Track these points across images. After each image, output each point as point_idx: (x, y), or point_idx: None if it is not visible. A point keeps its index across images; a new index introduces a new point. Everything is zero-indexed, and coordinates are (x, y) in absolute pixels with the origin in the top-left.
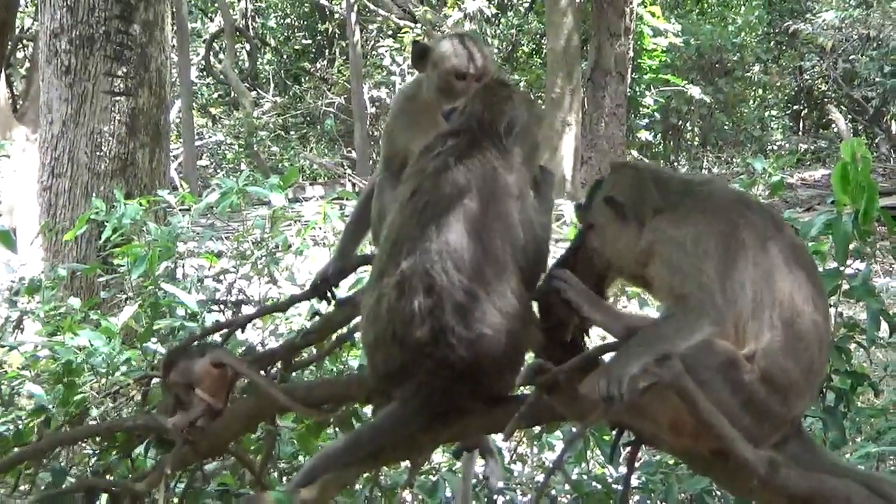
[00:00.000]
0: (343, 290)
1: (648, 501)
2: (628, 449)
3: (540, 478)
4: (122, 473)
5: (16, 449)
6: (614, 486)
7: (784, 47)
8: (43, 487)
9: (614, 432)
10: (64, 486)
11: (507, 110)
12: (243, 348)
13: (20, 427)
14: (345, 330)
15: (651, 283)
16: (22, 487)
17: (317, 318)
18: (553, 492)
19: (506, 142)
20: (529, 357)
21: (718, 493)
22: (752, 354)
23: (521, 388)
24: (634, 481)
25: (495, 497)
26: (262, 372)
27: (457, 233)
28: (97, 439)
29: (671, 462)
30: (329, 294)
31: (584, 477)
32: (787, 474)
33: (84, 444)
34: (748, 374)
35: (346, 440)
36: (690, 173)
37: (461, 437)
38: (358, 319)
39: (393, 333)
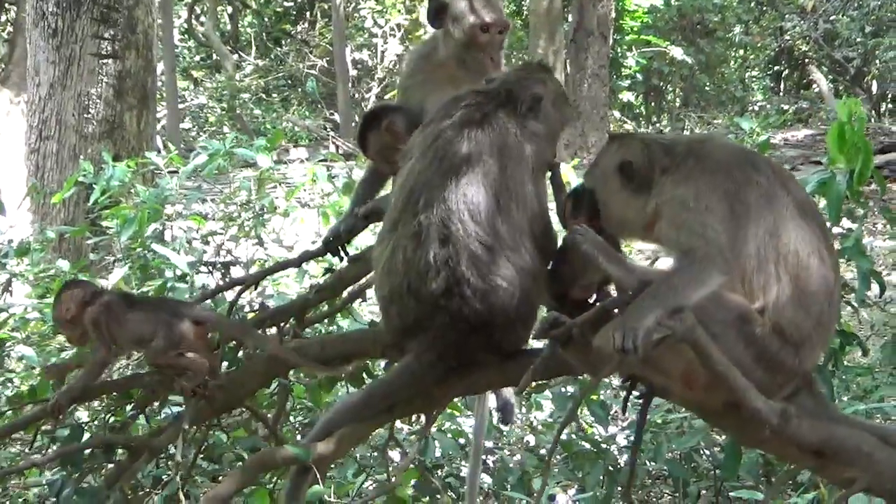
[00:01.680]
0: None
1: (637, 460)
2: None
3: (529, 438)
4: (137, 429)
5: (31, 406)
6: (603, 445)
7: (765, 8)
8: (60, 444)
9: (626, 385)
10: (81, 442)
11: (535, 87)
12: (256, 306)
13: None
14: (357, 286)
15: (660, 241)
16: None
17: (329, 274)
18: (542, 451)
19: (521, 115)
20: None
21: (707, 451)
22: (762, 308)
23: (535, 342)
24: (622, 440)
25: (484, 456)
26: (276, 328)
27: (475, 187)
28: (113, 396)
29: (660, 421)
30: (341, 250)
31: (574, 436)
32: (798, 424)
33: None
34: (760, 327)
35: (361, 394)
36: (686, 133)
37: (475, 391)
38: (370, 275)
39: (408, 285)
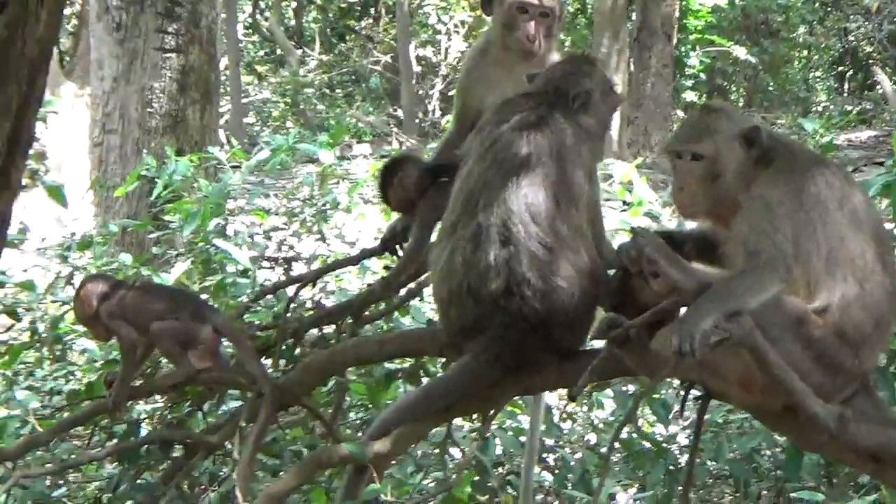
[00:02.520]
0: None
1: (698, 460)
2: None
3: (590, 436)
4: (198, 424)
5: (88, 402)
6: (664, 444)
7: (829, 8)
8: (117, 440)
9: (683, 387)
10: (138, 438)
11: (582, 83)
12: (312, 305)
13: (72, 381)
14: (414, 284)
15: (727, 228)
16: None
17: (386, 272)
18: (603, 450)
19: (573, 111)
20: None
21: (768, 452)
22: (826, 308)
23: (592, 342)
24: (683, 439)
25: (546, 455)
26: (334, 326)
27: (534, 189)
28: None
29: (721, 421)
30: (398, 249)
31: (634, 436)
32: (856, 429)
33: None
34: (818, 329)
35: (419, 393)
36: None
37: (533, 391)
38: (428, 274)
39: (468, 287)
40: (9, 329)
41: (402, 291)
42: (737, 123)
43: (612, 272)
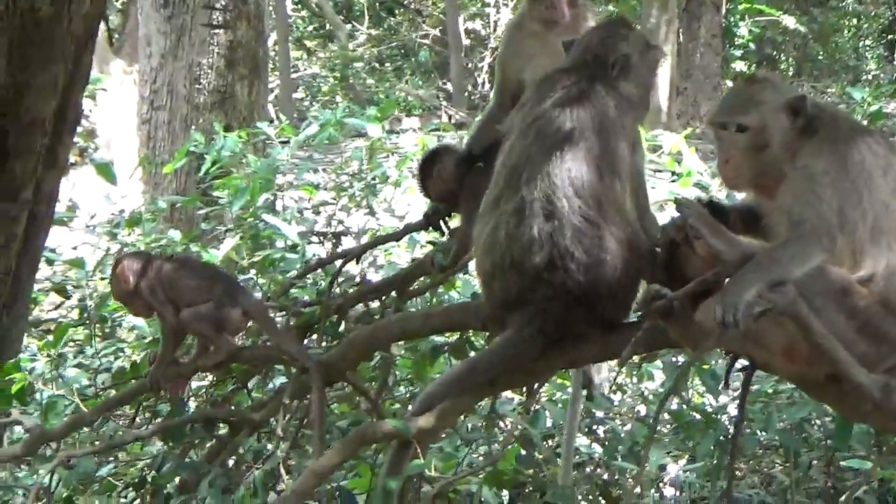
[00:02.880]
0: None
1: (748, 430)
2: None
3: (640, 408)
4: (246, 400)
5: (133, 381)
6: (714, 415)
7: None
8: (162, 418)
9: (728, 358)
10: (183, 416)
11: (619, 47)
12: (357, 280)
13: (122, 359)
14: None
15: (772, 199)
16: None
17: (430, 247)
18: (651, 421)
19: (613, 79)
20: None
21: (818, 421)
22: (871, 277)
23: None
24: (733, 410)
25: (595, 426)
26: (378, 302)
27: (577, 163)
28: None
29: (770, 391)
30: (442, 224)
31: (684, 407)
32: None
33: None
34: (863, 299)
35: (463, 368)
36: None
37: (576, 364)
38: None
39: (511, 260)
40: (58, 307)
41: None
42: (782, 94)
43: (659, 249)
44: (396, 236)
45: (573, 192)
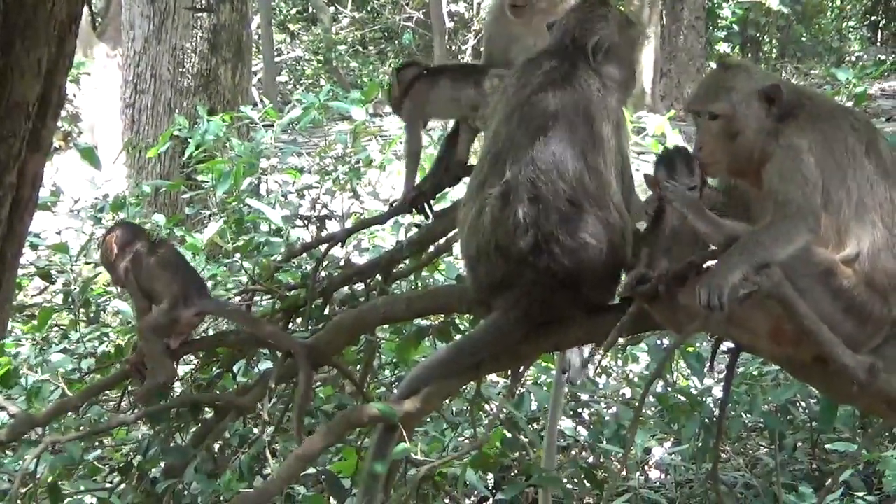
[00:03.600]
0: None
1: (733, 412)
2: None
3: (625, 391)
4: (232, 384)
5: (117, 365)
6: (699, 398)
7: None
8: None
9: (713, 341)
10: (168, 400)
11: (598, 29)
12: (342, 262)
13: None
14: (443, 241)
15: (756, 185)
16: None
17: (415, 230)
18: (637, 404)
19: (593, 61)
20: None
21: (802, 403)
22: (856, 255)
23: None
24: (718, 393)
25: (580, 409)
26: (363, 285)
27: (562, 146)
28: (200, 354)
29: (755, 373)
30: (426, 207)
31: (669, 389)
32: (886, 380)
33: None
34: (847, 279)
35: (448, 351)
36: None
37: (562, 347)
38: (455, 231)
39: (496, 244)
40: (42, 291)
41: (431, 248)
42: (756, 81)
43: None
44: (381, 219)
45: (558, 175)
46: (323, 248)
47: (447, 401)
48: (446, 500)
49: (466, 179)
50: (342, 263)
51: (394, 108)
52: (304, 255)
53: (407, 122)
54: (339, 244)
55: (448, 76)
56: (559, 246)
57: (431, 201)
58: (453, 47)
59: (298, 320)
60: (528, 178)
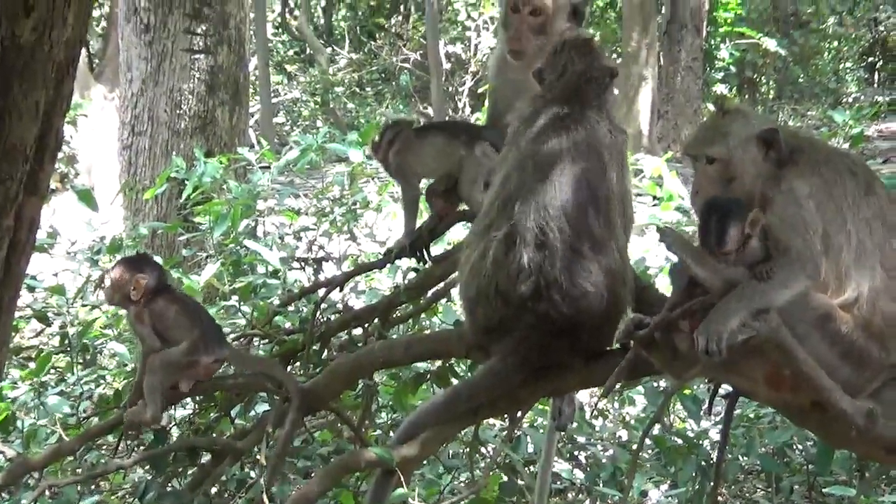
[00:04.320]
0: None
1: (730, 455)
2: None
3: (622, 433)
4: (229, 427)
5: (115, 409)
6: (696, 440)
7: None
8: (145, 447)
9: (710, 386)
10: (166, 445)
11: (598, 69)
12: (339, 306)
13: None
14: (441, 286)
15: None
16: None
17: (413, 274)
18: (634, 447)
19: (602, 103)
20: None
21: (800, 446)
22: (855, 300)
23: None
24: (715, 435)
25: (577, 452)
26: (360, 329)
27: (569, 192)
28: (198, 399)
29: (752, 416)
30: (425, 251)
31: (666, 433)
32: (884, 425)
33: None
34: (845, 324)
35: (446, 396)
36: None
37: (559, 392)
38: (455, 275)
39: (497, 287)
40: (39, 333)
41: (429, 293)
42: (753, 126)
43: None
44: (379, 264)
45: (565, 221)
46: (321, 292)
47: (444, 444)
48: None
49: (463, 223)
50: (340, 307)
51: (383, 166)
52: (302, 298)
53: (397, 177)
54: (338, 288)
55: (438, 132)
56: (560, 293)
57: (428, 245)
58: (450, 88)
59: (297, 364)
60: (536, 224)
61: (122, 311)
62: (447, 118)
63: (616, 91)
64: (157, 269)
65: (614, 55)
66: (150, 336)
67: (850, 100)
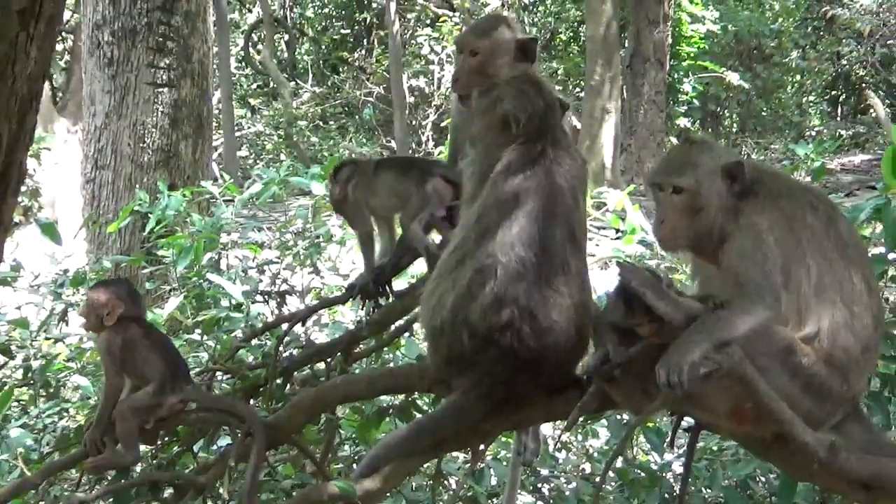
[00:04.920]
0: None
1: (693, 487)
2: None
3: (585, 466)
4: (193, 462)
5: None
6: (659, 473)
7: (822, 32)
8: (107, 482)
9: (673, 419)
10: (128, 479)
11: (555, 107)
12: (302, 342)
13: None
14: (403, 321)
15: (712, 262)
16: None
17: (375, 310)
18: (597, 479)
19: (561, 138)
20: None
21: (762, 479)
22: (816, 333)
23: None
24: (677, 468)
25: (540, 484)
26: (323, 364)
27: (546, 226)
28: (160, 433)
29: (715, 448)
30: (387, 287)
31: (629, 465)
32: (846, 458)
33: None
34: (807, 357)
35: (409, 430)
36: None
37: (522, 426)
38: (417, 310)
39: (466, 318)
40: (2, 367)
41: (392, 328)
42: (719, 157)
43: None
44: (341, 299)
45: (544, 256)
46: (284, 326)
47: (407, 477)
48: None
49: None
50: (303, 341)
51: (336, 208)
52: (265, 333)
53: (350, 214)
54: (301, 322)
55: (391, 169)
56: (529, 326)
57: (391, 280)
58: (414, 122)
59: (259, 399)
60: (516, 257)
61: (89, 344)
62: (410, 152)
63: (573, 123)
64: (134, 297)
65: (577, 88)
66: (113, 369)
67: (814, 133)
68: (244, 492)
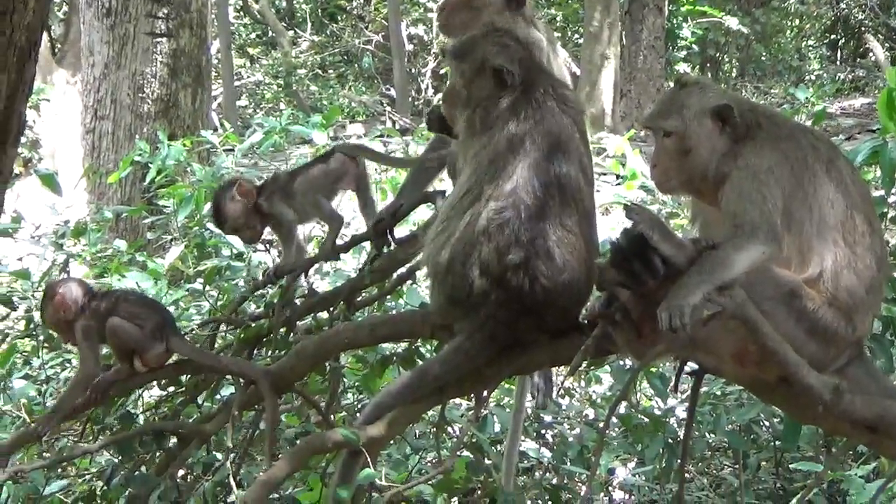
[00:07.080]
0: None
1: (696, 432)
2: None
3: (589, 412)
4: (196, 412)
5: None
6: (663, 418)
7: None
8: (112, 432)
9: (676, 364)
10: (132, 429)
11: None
12: (305, 290)
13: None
14: (405, 269)
15: (716, 204)
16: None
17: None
18: (601, 425)
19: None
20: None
21: (766, 423)
22: (819, 275)
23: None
24: (681, 413)
25: (544, 431)
26: (326, 313)
27: (564, 166)
28: (163, 383)
29: (718, 393)
30: (389, 234)
31: (632, 410)
32: (851, 400)
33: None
34: (811, 300)
35: (412, 376)
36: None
37: (526, 370)
38: (419, 258)
39: (479, 256)
40: (4, 318)
41: (394, 275)
42: (709, 99)
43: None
44: (344, 248)
45: (562, 194)
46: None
47: (410, 424)
48: None
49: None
50: (305, 291)
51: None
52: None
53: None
54: (304, 273)
55: (304, 167)
56: (546, 263)
57: (393, 227)
58: (413, 70)
59: (264, 349)
60: (533, 195)
61: None
62: (410, 100)
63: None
64: (73, 282)
65: (576, 35)
66: (94, 361)
67: (813, 77)
68: (267, 440)
